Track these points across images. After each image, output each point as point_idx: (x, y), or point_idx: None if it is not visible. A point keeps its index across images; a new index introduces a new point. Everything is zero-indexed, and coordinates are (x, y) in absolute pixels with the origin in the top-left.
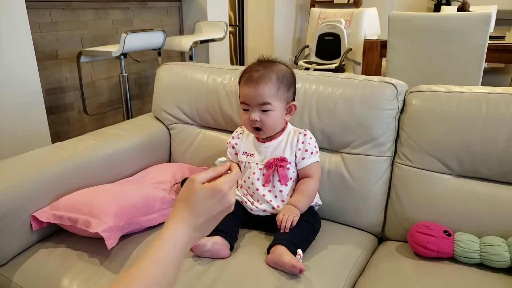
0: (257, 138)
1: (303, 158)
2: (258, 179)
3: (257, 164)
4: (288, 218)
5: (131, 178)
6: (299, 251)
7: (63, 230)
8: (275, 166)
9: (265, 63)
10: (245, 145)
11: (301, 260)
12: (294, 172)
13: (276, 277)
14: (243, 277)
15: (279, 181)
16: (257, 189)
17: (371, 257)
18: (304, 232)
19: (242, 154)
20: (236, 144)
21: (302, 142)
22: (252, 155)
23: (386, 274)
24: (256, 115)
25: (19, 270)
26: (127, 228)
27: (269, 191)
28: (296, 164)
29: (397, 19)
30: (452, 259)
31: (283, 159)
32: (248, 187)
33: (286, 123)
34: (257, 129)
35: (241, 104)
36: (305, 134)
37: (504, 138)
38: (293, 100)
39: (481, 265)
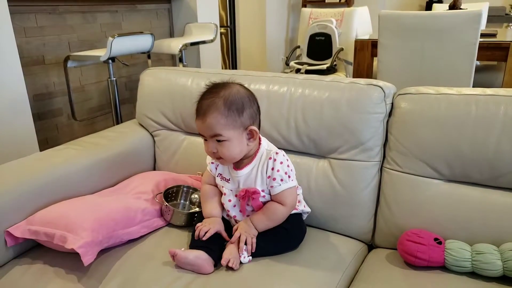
0: (234, 165)
1: (272, 187)
2: (234, 206)
3: (231, 191)
4: (247, 241)
5: (112, 189)
6: (245, 253)
7: (41, 245)
8: (248, 198)
9: (213, 89)
10: (221, 167)
11: (245, 256)
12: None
13: None
14: None
15: (254, 210)
16: (234, 216)
17: (360, 266)
18: (275, 238)
19: (217, 176)
20: (218, 165)
21: (272, 169)
22: (227, 181)
23: (376, 285)
24: (212, 147)
25: None
26: (106, 242)
27: (247, 216)
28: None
29: (387, 18)
30: (443, 267)
31: (254, 192)
32: (226, 212)
33: (260, 144)
34: (218, 158)
35: (199, 135)
36: (274, 160)
37: (494, 140)
38: (254, 123)
39: (473, 274)
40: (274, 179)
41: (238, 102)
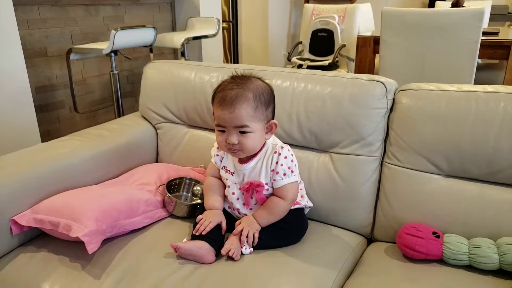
0: (238, 159)
1: (274, 180)
2: (238, 199)
3: (235, 184)
4: (249, 234)
5: (115, 180)
6: (246, 245)
7: (45, 233)
8: (252, 191)
9: (239, 80)
10: (226, 159)
11: (246, 247)
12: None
13: (261, 281)
14: (227, 281)
15: (258, 202)
16: (238, 209)
17: (359, 259)
18: (277, 231)
19: (222, 169)
20: (223, 158)
21: (276, 163)
22: (232, 174)
23: (374, 277)
24: (233, 138)
25: None
26: (110, 231)
27: (250, 209)
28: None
29: (390, 15)
30: (441, 261)
31: (258, 185)
32: (229, 205)
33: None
34: (233, 150)
35: (216, 126)
36: (279, 154)
37: (493, 137)
38: (273, 117)
39: (470, 267)
40: (277, 173)
41: (265, 96)
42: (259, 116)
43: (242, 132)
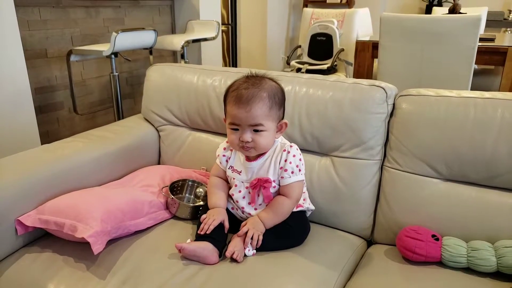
0: (246, 157)
1: (282, 177)
2: (243, 198)
3: (242, 182)
4: (254, 236)
5: (119, 181)
6: (250, 246)
7: (50, 234)
8: (259, 187)
9: (253, 80)
10: (233, 159)
11: (250, 249)
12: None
13: (264, 281)
14: (231, 281)
15: (264, 200)
16: (243, 207)
17: (360, 261)
18: (279, 234)
19: (229, 169)
20: (229, 158)
21: (285, 160)
22: (239, 173)
23: (374, 278)
24: (248, 136)
25: (3, 276)
26: (114, 232)
27: (255, 209)
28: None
29: (389, 20)
30: (440, 263)
31: (266, 180)
32: (234, 203)
33: None
34: (246, 148)
35: (229, 125)
36: (288, 152)
37: (491, 142)
38: (283, 117)
39: (468, 270)
40: (285, 170)
41: (280, 96)
42: (273, 115)
43: (256, 131)
